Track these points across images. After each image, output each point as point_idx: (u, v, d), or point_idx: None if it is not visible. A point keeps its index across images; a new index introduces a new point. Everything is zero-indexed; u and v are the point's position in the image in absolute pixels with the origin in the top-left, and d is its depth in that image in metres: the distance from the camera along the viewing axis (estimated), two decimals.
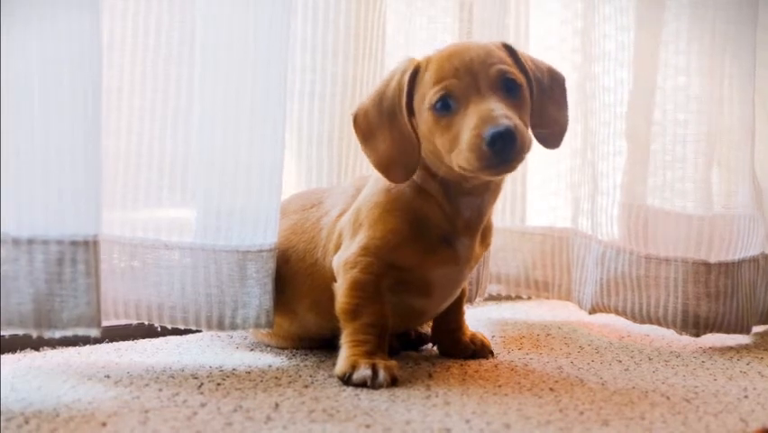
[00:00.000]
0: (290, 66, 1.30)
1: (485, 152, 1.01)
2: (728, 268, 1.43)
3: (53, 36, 1.00)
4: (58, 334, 1.02)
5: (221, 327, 1.18)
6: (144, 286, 1.17)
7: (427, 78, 1.09)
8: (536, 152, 1.65)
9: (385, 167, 1.12)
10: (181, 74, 1.19)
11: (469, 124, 1.04)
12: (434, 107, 1.07)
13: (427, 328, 1.33)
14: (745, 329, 1.45)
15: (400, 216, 1.13)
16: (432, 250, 1.13)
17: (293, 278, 1.21)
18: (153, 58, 1.18)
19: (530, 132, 1.12)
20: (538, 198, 1.71)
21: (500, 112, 1.03)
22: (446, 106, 1.07)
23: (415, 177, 1.14)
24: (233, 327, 1.18)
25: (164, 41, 1.18)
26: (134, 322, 1.21)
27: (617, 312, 1.48)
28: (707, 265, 1.42)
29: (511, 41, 1.56)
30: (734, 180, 1.48)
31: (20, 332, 1.02)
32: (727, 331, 1.43)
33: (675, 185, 1.47)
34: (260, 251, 1.18)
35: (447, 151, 1.07)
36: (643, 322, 1.46)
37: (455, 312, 1.27)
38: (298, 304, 1.22)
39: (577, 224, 1.57)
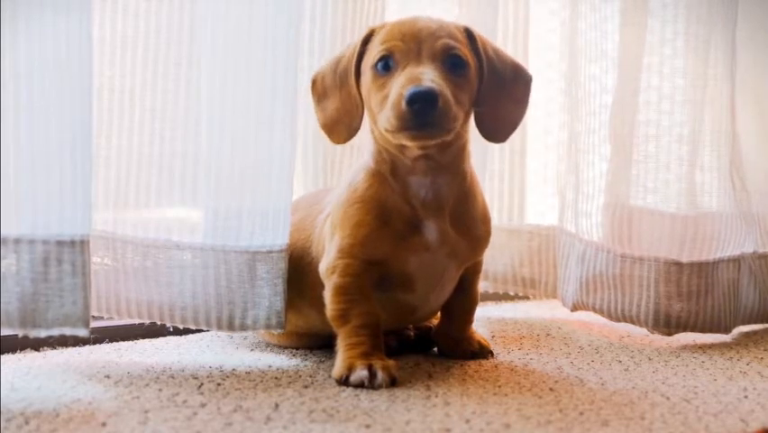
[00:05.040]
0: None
1: (404, 111, 1.03)
2: (702, 268, 1.44)
3: (41, 37, 1.00)
4: (43, 333, 1.01)
5: (231, 327, 1.18)
6: (156, 286, 1.18)
7: (376, 40, 1.12)
8: (535, 153, 1.69)
9: (330, 127, 1.16)
10: (190, 74, 1.19)
11: (397, 84, 1.06)
12: (374, 66, 1.10)
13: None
14: (723, 329, 1.46)
15: (362, 208, 1.14)
16: (400, 238, 1.13)
17: (296, 274, 1.21)
18: (164, 58, 1.19)
19: (472, 118, 1.14)
20: (537, 200, 1.71)
21: (429, 76, 1.05)
22: (386, 67, 1.09)
23: (372, 161, 1.15)
24: (244, 327, 1.19)
25: (174, 41, 1.19)
26: (147, 322, 1.21)
27: (594, 310, 1.50)
28: (679, 265, 1.43)
29: (501, 39, 1.58)
30: (708, 181, 1.49)
31: (6, 331, 1.02)
32: (702, 330, 1.44)
33: (652, 185, 1.48)
34: (270, 252, 1.18)
35: (377, 112, 1.08)
36: (618, 320, 1.47)
37: (462, 320, 1.26)
38: (301, 300, 1.22)
39: (563, 222, 1.58)
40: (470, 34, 1.14)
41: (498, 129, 1.17)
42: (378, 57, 1.09)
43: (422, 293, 1.18)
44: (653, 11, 1.48)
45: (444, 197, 1.14)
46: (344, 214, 1.15)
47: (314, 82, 1.18)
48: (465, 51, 1.10)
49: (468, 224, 1.17)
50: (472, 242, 1.19)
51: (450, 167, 1.14)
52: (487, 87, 1.14)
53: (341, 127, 1.15)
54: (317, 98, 1.18)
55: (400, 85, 1.05)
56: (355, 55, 1.13)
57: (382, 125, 1.07)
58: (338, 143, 1.19)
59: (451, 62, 1.09)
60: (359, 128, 1.15)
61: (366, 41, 1.14)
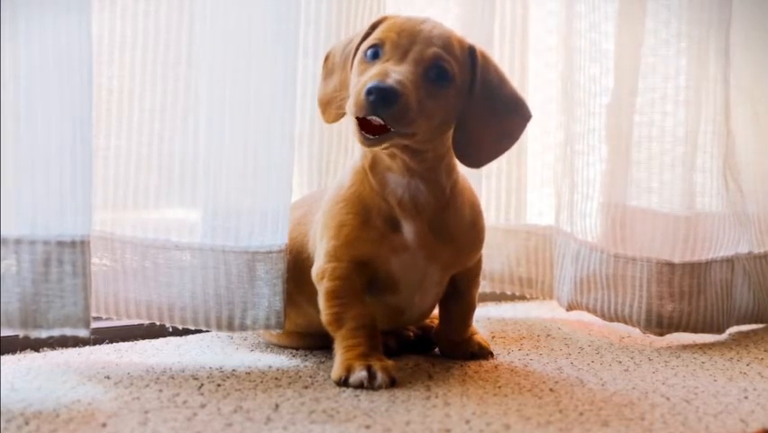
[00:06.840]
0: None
1: (361, 100, 1.02)
2: (694, 268, 1.44)
3: (41, 37, 1.00)
4: (44, 334, 1.01)
5: (231, 327, 1.19)
6: (156, 286, 1.18)
7: (380, 27, 1.11)
8: (534, 154, 1.69)
9: (323, 105, 1.18)
10: (189, 74, 1.19)
11: (368, 74, 1.06)
12: (365, 52, 1.10)
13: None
14: (715, 329, 1.46)
15: (346, 207, 1.14)
16: (381, 236, 1.13)
17: (295, 270, 1.21)
18: (163, 58, 1.19)
19: (449, 139, 1.13)
20: (536, 200, 1.71)
21: (396, 76, 1.03)
22: (375, 55, 1.09)
23: (360, 156, 1.15)
24: (243, 327, 1.19)
25: (173, 41, 1.19)
26: (146, 322, 1.21)
27: (588, 310, 1.50)
28: (671, 265, 1.43)
29: (499, 39, 1.58)
30: (702, 182, 1.50)
31: (6, 332, 1.02)
32: (695, 331, 1.45)
33: (648, 185, 1.48)
34: (270, 252, 1.18)
35: (350, 94, 1.08)
36: (611, 320, 1.48)
37: (460, 324, 1.26)
38: (300, 295, 1.22)
39: (559, 222, 1.58)
40: (472, 53, 1.12)
41: (472, 153, 1.14)
42: (370, 43, 1.09)
43: (406, 295, 1.17)
44: (650, 12, 1.48)
45: (422, 201, 1.14)
46: (330, 213, 1.15)
47: (326, 57, 1.20)
48: (454, 66, 1.08)
49: (451, 232, 1.16)
50: (456, 249, 1.17)
51: (427, 177, 1.13)
52: (473, 110, 1.11)
53: (331, 107, 1.16)
54: (325, 74, 1.19)
55: (369, 75, 1.05)
56: (360, 38, 1.13)
57: (346, 108, 1.07)
58: (327, 122, 1.19)
59: (435, 72, 1.07)
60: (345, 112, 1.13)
61: (375, 26, 1.13)
